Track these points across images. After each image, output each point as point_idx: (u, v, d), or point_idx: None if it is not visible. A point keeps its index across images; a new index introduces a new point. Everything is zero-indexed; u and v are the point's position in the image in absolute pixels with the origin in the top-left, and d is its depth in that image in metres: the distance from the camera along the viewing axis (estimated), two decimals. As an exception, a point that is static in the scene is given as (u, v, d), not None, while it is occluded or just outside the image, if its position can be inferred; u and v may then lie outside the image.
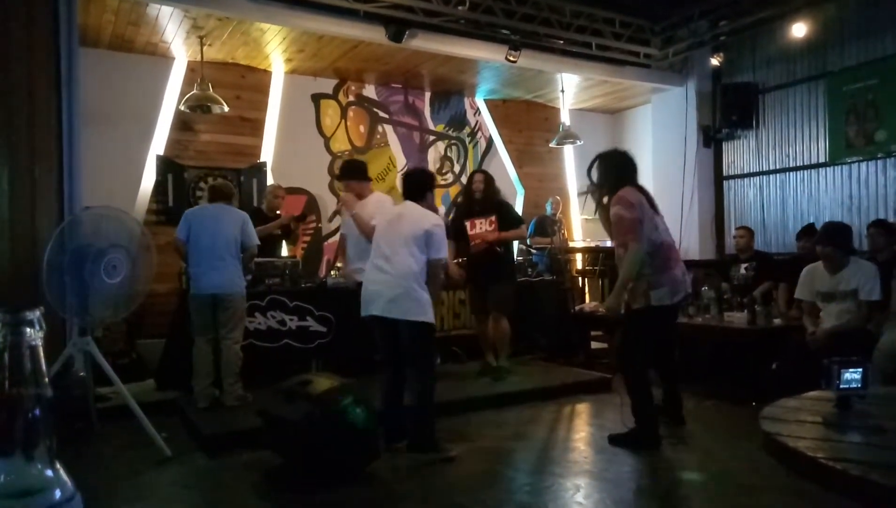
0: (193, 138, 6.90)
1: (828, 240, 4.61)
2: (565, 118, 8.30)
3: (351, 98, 7.87)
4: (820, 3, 6.43)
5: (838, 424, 2.01)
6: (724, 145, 8.06)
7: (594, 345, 6.87)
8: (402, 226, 3.77)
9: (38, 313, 0.60)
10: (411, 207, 3.87)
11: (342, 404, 3.39)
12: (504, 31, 6.53)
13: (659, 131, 8.21)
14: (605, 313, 3.92)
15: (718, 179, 8.10)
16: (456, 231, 5.50)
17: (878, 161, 6.54)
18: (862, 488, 1.56)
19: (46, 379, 0.60)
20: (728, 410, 4.81)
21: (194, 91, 6.21)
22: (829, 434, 1.96)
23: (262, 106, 7.25)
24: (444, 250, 3.79)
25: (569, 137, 7.93)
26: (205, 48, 6.34)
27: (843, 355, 2.16)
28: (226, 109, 6.35)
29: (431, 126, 8.44)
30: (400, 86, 8.12)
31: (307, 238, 7.39)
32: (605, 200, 4.02)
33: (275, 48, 6.61)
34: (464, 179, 8.12)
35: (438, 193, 8.35)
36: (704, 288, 5.59)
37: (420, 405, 3.70)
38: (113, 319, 4.28)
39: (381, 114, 8.10)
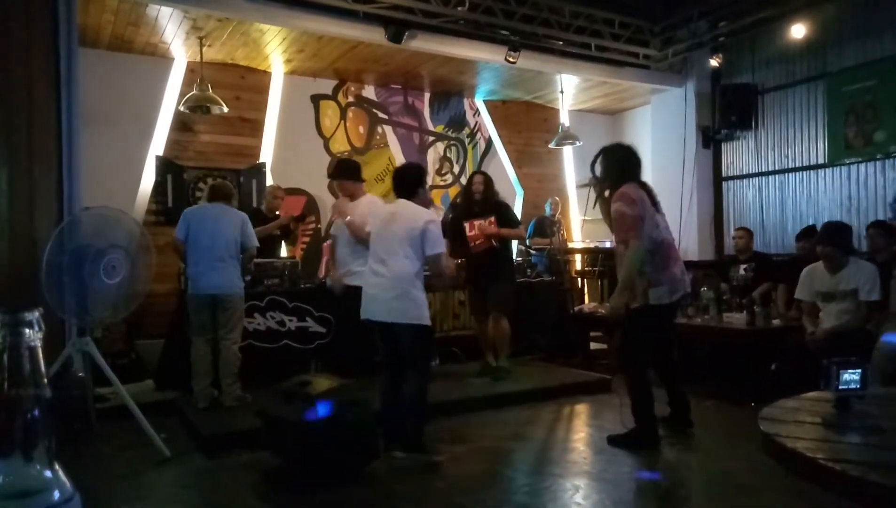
0: (193, 139, 6.90)
1: (828, 240, 4.61)
2: (564, 119, 8.30)
3: (350, 99, 7.87)
4: (819, 4, 6.43)
5: (837, 424, 2.01)
6: (724, 146, 8.07)
7: (593, 346, 6.88)
8: (397, 227, 3.75)
9: (37, 313, 0.60)
10: (404, 205, 3.83)
11: (341, 404, 3.39)
12: (503, 32, 6.53)
13: (658, 132, 8.21)
14: (609, 313, 3.90)
15: (717, 179, 8.10)
16: (454, 232, 5.50)
17: (877, 162, 6.54)
18: (861, 488, 1.56)
19: (45, 380, 0.60)
20: (727, 410, 4.81)
21: (194, 92, 6.21)
22: (828, 435, 1.96)
23: (261, 107, 7.25)
24: (441, 245, 3.77)
25: (568, 138, 7.93)
26: (204, 49, 6.33)
27: (843, 355, 2.16)
28: (225, 109, 6.35)
29: (431, 127, 8.44)
30: (399, 87, 8.12)
31: (306, 239, 7.39)
32: (607, 193, 4.01)
33: (274, 49, 6.62)
34: (463, 180, 8.13)
35: (438, 193, 8.37)
36: (703, 289, 5.59)
37: (412, 406, 3.71)
38: (112, 319, 4.28)
39: (381, 115, 8.10)
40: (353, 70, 7.41)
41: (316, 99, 7.63)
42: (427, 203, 4.08)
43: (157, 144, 6.69)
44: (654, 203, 3.95)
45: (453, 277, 4.81)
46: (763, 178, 7.64)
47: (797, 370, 3.98)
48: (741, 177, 7.90)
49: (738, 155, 7.93)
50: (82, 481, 0.63)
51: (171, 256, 5.08)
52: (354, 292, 4.51)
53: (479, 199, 5.53)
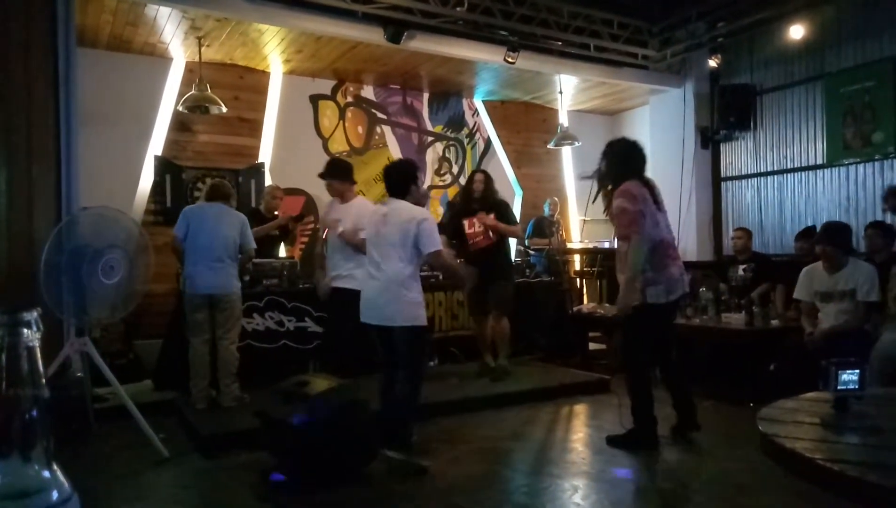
0: (191, 139, 6.90)
1: (828, 239, 4.62)
2: (563, 120, 8.31)
3: (349, 99, 7.87)
4: (817, 5, 6.44)
5: (836, 425, 2.01)
6: (722, 147, 8.07)
7: (592, 346, 6.88)
8: (389, 230, 3.74)
9: (35, 313, 0.60)
10: (396, 205, 3.80)
11: (340, 404, 3.39)
12: (502, 33, 6.53)
13: (657, 133, 8.21)
14: (620, 313, 3.89)
15: (716, 180, 8.10)
16: (454, 230, 5.49)
17: (876, 162, 6.55)
18: (860, 489, 1.56)
19: (44, 380, 0.60)
20: (726, 411, 4.81)
21: (192, 92, 6.20)
22: (826, 435, 1.96)
23: (260, 107, 7.24)
24: (437, 242, 3.75)
25: (567, 138, 7.94)
26: (203, 49, 6.33)
27: (841, 355, 2.16)
28: (224, 109, 6.35)
29: (430, 127, 8.44)
30: (398, 87, 8.12)
31: (305, 239, 7.39)
32: (609, 188, 4.00)
33: (273, 49, 6.61)
34: (462, 181, 8.13)
35: (437, 193, 8.37)
36: (702, 289, 5.59)
37: (403, 405, 3.72)
38: (110, 319, 4.27)
39: (380, 115, 8.10)
40: (351, 70, 7.41)
41: (315, 99, 7.63)
42: (422, 200, 4.06)
43: (156, 144, 6.69)
44: (657, 201, 3.94)
45: (458, 268, 4.80)
46: (762, 178, 7.65)
47: (796, 371, 3.99)
48: (740, 177, 7.91)
49: (737, 155, 7.94)
50: (81, 481, 0.62)
51: (170, 256, 5.07)
52: (344, 295, 4.53)
53: (479, 197, 5.53)
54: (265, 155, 7.23)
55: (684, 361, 4.26)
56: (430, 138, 8.45)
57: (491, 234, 5.39)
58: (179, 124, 6.78)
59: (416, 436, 3.93)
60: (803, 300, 4.82)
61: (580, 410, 5.01)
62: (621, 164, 3.98)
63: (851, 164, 6.75)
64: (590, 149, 7.51)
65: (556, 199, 8.19)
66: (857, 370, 2.06)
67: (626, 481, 3.54)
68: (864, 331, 4.45)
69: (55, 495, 0.58)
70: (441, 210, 7.99)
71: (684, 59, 7.69)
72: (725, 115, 7.69)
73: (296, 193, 7.21)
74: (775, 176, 7.51)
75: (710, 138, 8.01)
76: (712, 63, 7.46)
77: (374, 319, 3.74)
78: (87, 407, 4.19)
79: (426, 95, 8.38)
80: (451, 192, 8.42)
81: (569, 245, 8.39)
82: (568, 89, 8.19)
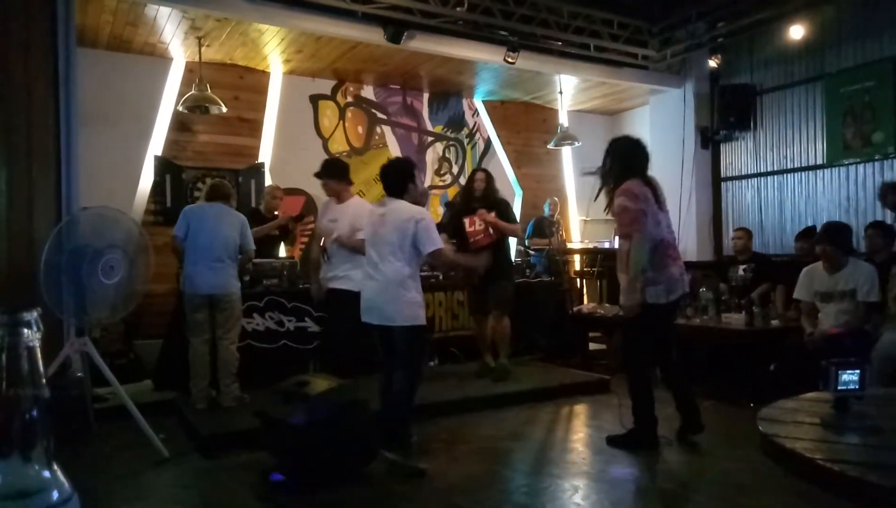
0: (191, 139, 6.90)
1: (828, 239, 4.62)
2: (563, 120, 8.31)
3: (349, 99, 7.87)
4: (817, 5, 6.44)
5: (836, 425, 2.01)
6: (722, 147, 8.07)
7: (592, 346, 6.88)
8: (387, 230, 3.74)
9: (35, 313, 0.60)
10: (394, 205, 3.80)
11: (340, 404, 3.39)
12: (502, 33, 6.53)
13: (657, 133, 8.20)
14: (626, 313, 3.89)
15: (716, 180, 8.10)
16: (454, 229, 5.49)
17: (876, 163, 6.55)
18: (860, 489, 1.56)
19: (44, 380, 0.60)
20: (726, 411, 4.81)
21: (192, 92, 6.21)
22: (826, 436, 1.96)
23: (260, 107, 7.24)
24: (436, 241, 3.75)
25: (567, 138, 7.94)
26: (203, 49, 6.33)
27: (841, 356, 2.16)
28: (224, 109, 6.35)
29: (430, 127, 8.44)
30: (398, 87, 8.12)
31: (305, 239, 7.38)
32: (611, 186, 4.00)
33: (273, 49, 6.61)
34: (462, 181, 8.13)
35: (437, 194, 8.37)
36: (702, 289, 5.59)
37: (398, 402, 3.73)
38: (110, 319, 4.27)
39: (380, 115, 8.09)
40: (351, 70, 7.41)
41: (315, 99, 7.63)
42: (421, 198, 4.05)
43: (156, 144, 6.69)
44: (659, 200, 3.93)
45: (462, 259, 4.79)
46: (762, 178, 7.65)
47: (796, 371, 3.99)
48: (740, 177, 7.91)
49: (737, 156, 7.94)
50: (81, 481, 0.62)
51: (170, 256, 5.08)
52: (340, 296, 4.52)
53: (480, 196, 5.53)
54: (265, 155, 7.23)
55: (684, 361, 4.25)
56: (430, 138, 8.45)
57: (491, 232, 5.37)
58: (179, 124, 6.78)
59: (416, 437, 3.95)
60: (803, 300, 4.82)
61: (580, 410, 5.01)
62: (624, 162, 3.96)
63: (851, 164, 6.75)
64: (590, 149, 7.53)
65: (556, 199, 8.19)
66: (858, 371, 2.05)
67: (626, 481, 3.54)
68: (865, 331, 4.45)
69: (55, 495, 0.58)
70: (441, 210, 7.98)
71: (684, 59, 7.69)
72: (725, 115, 7.69)
73: (296, 193, 7.21)
74: (775, 176, 7.51)
75: (710, 138, 8.01)
76: (712, 63, 7.46)
77: (375, 319, 3.76)
78: (87, 407, 4.19)
79: (426, 95, 8.38)
80: (451, 192, 8.42)
81: (569, 245, 8.39)
82: (568, 89, 8.19)
